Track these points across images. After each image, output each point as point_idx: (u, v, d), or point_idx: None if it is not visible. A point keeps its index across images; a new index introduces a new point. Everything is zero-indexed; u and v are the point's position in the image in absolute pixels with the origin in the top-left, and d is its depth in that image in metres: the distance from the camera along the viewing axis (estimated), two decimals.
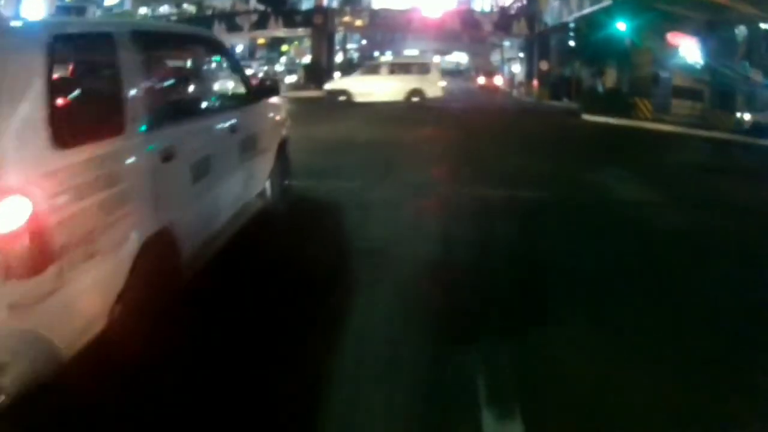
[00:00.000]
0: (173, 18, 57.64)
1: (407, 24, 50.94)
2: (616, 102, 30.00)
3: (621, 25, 29.55)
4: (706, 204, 10.65)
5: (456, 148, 17.06)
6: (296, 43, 66.48)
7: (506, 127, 24.74)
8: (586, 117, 29.82)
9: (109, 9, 57.52)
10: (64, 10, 48.80)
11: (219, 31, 52.97)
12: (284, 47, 70.44)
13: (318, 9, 51.62)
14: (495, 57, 76.24)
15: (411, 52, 78.83)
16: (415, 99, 31.83)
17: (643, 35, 29.10)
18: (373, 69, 35.39)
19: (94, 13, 56.64)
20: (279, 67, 62.37)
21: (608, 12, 30.66)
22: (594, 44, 32.56)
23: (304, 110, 31.51)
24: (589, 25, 34.18)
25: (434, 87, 32.60)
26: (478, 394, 4.05)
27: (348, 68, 59.37)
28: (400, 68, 33.93)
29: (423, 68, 33.63)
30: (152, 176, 4.23)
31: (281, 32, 55.47)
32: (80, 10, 54.02)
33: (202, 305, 4.91)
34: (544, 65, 46.15)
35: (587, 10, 35.68)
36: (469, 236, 7.90)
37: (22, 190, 3.02)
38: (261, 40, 68.76)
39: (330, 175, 11.56)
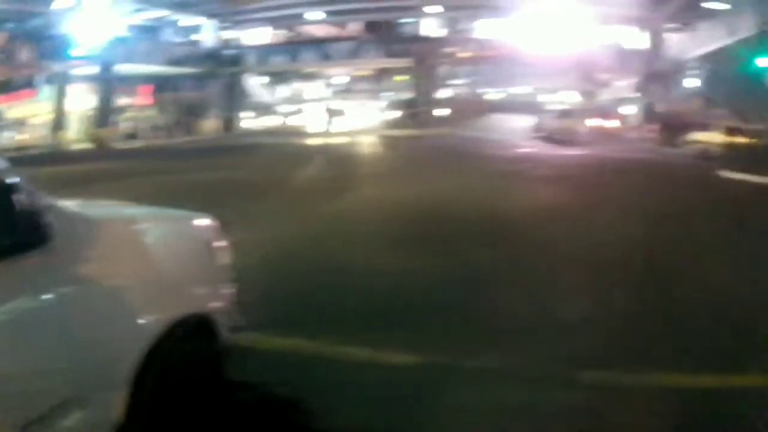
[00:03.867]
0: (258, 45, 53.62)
1: (517, 58, 46.08)
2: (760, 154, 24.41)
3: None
4: None
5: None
6: (402, 76, 60.74)
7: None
8: (725, 173, 24.09)
9: (187, 31, 54.05)
10: (138, 30, 46.36)
11: (308, 59, 49.37)
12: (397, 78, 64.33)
13: (419, 37, 46.76)
14: (604, 96, 70.30)
15: (519, 89, 74.41)
16: None
17: None
18: None
19: (173, 35, 53.36)
20: (379, 103, 58.32)
21: (748, 45, 25.27)
22: (723, 83, 27.21)
23: (392, 155, 27.45)
24: (719, 61, 28.94)
25: None
26: None
27: (453, 106, 54.77)
28: None
29: None
30: None
31: (380, 63, 51.29)
32: (154, 30, 51.36)
33: None
34: (662, 107, 40.98)
35: (716, 45, 30.37)
36: None
37: None
38: (362, 72, 64.87)
39: None
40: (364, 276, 7.75)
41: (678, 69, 40.28)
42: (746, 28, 27.31)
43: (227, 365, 3.87)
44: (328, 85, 66.20)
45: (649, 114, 44.59)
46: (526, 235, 10.78)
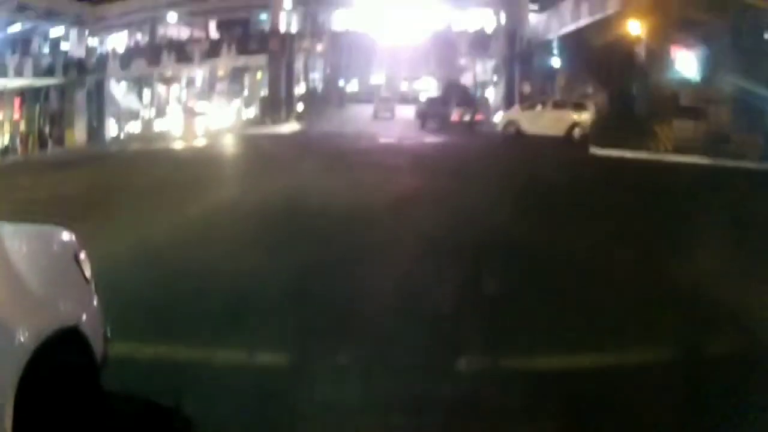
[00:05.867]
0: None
1: (373, 48, 47.05)
2: (626, 129, 25.31)
3: (634, 35, 25.22)
4: None
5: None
6: (259, 73, 60.25)
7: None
8: (596, 151, 24.64)
9: (56, 41, 51.95)
10: (7, 42, 44.67)
11: (168, 63, 48.67)
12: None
13: (273, 33, 46.29)
14: (465, 80, 71.35)
15: (377, 79, 74.30)
16: None
17: (661, 46, 24.78)
18: None
19: (39, 46, 51.43)
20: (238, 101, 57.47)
21: (616, 21, 26.41)
22: (597, 59, 28.21)
23: (252, 154, 27.24)
24: (588, 38, 29.91)
25: None
26: None
27: (310, 99, 54.64)
28: None
29: None
30: None
31: (237, 61, 50.54)
32: (26, 43, 49.24)
33: None
34: (526, 87, 42.15)
35: (585, 21, 31.49)
36: None
37: None
38: (220, 72, 63.78)
39: None
40: (230, 278, 7.71)
41: (539, 49, 41.59)
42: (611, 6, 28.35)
43: (105, 377, 3.76)
44: (190, 86, 64.65)
45: (510, 96, 45.33)
46: (394, 222, 11.02)
